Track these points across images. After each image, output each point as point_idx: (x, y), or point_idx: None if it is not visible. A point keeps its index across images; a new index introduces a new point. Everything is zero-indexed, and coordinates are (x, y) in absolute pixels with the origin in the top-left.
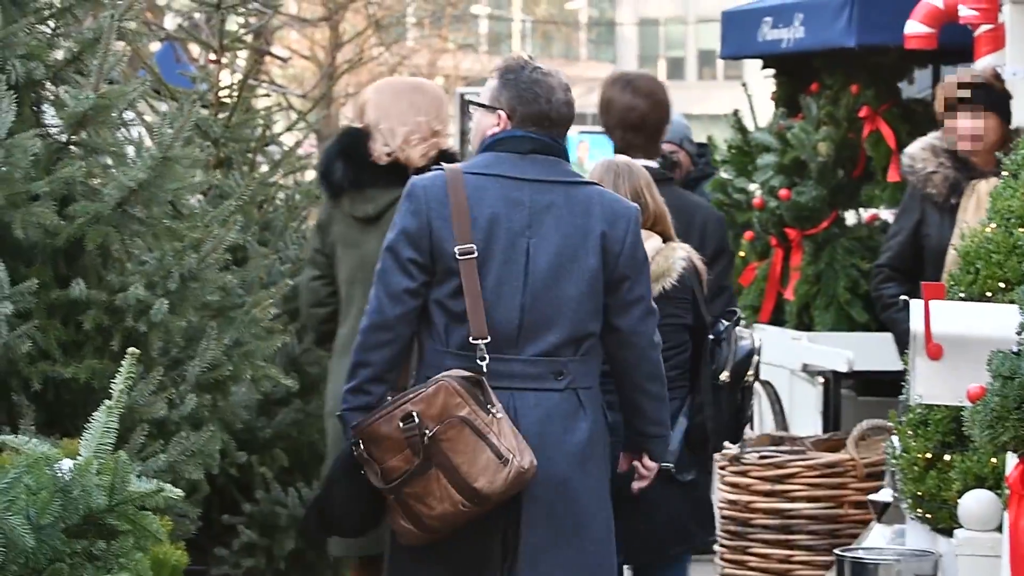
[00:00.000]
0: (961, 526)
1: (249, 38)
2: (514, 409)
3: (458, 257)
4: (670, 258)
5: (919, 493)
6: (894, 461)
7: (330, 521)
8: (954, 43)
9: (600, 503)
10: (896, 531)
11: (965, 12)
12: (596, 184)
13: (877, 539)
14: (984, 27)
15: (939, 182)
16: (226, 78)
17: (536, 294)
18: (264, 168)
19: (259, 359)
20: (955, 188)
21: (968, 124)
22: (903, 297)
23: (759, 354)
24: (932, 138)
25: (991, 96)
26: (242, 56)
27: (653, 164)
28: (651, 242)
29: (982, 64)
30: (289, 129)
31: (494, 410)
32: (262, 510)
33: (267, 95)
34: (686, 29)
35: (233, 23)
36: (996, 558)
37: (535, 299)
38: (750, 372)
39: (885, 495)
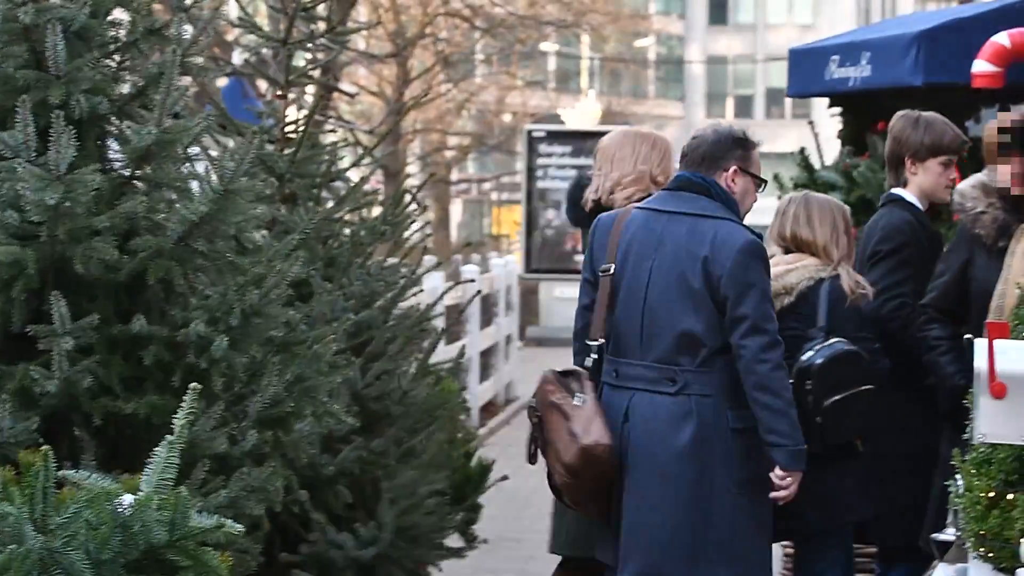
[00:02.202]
0: (1023, 565)
1: (316, 74)
2: (631, 406)
3: (599, 274)
4: (798, 278)
5: (981, 532)
6: (957, 500)
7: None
8: (1021, 82)
9: (703, 493)
10: (959, 570)
11: None
12: (727, 219)
13: None
14: None
15: (988, 223)
16: (293, 114)
17: (653, 308)
18: (329, 204)
19: (321, 395)
20: (1004, 230)
21: (1009, 169)
22: (967, 336)
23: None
24: (985, 176)
25: None
26: (310, 92)
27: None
28: (800, 263)
29: None
30: (355, 165)
31: (580, 397)
32: (319, 551)
33: (333, 131)
34: (754, 67)
35: (301, 59)
36: None
37: (652, 313)
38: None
39: (948, 534)
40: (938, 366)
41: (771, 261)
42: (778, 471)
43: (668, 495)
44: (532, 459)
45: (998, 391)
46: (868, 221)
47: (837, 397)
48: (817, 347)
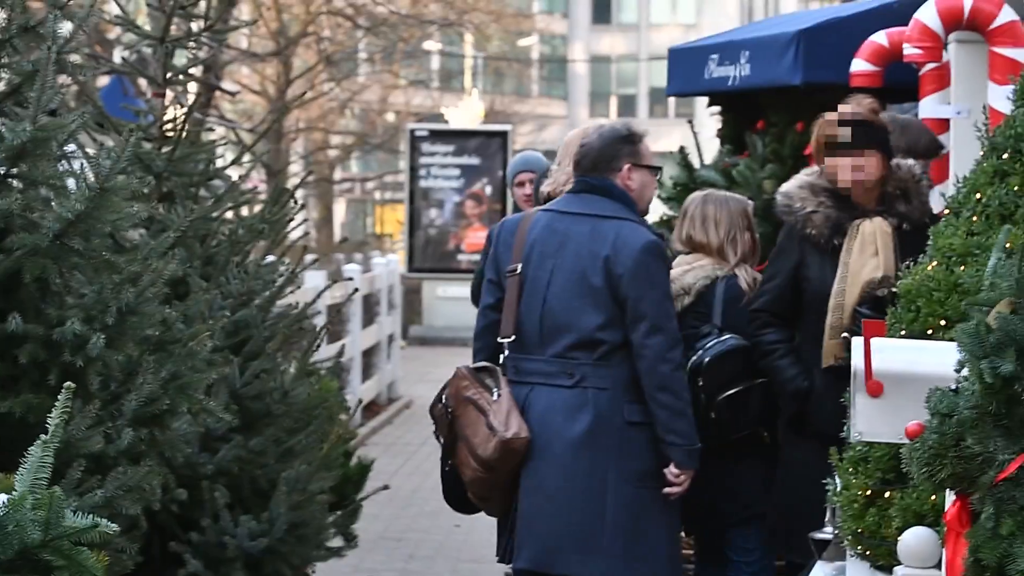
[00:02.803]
0: (900, 563)
1: (197, 72)
2: (528, 400)
3: (506, 274)
4: (695, 278)
5: (859, 530)
6: (835, 498)
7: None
8: (899, 82)
9: (595, 484)
10: (837, 568)
11: (909, 51)
12: (628, 219)
13: None
14: (929, 65)
15: (820, 222)
16: (173, 112)
17: (552, 306)
18: (208, 202)
19: (197, 393)
20: (837, 228)
21: (849, 162)
22: (845, 335)
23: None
24: (810, 176)
25: (871, 134)
26: (192, 90)
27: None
28: (697, 264)
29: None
30: (234, 163)
31: (496, 392)
32: (209, 540)
33: (211, 129)
34: (638, 67)
35: (183, 57)
36: None
37: (552, 310)
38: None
39: (826, 532)
40: (778, 370)
41: (675, 261)
42: (673, 468)
43: (563, 486)
44: (447, 456)
45: (875, 389)
46: None
47: (729, 392)
48: (708, 344)
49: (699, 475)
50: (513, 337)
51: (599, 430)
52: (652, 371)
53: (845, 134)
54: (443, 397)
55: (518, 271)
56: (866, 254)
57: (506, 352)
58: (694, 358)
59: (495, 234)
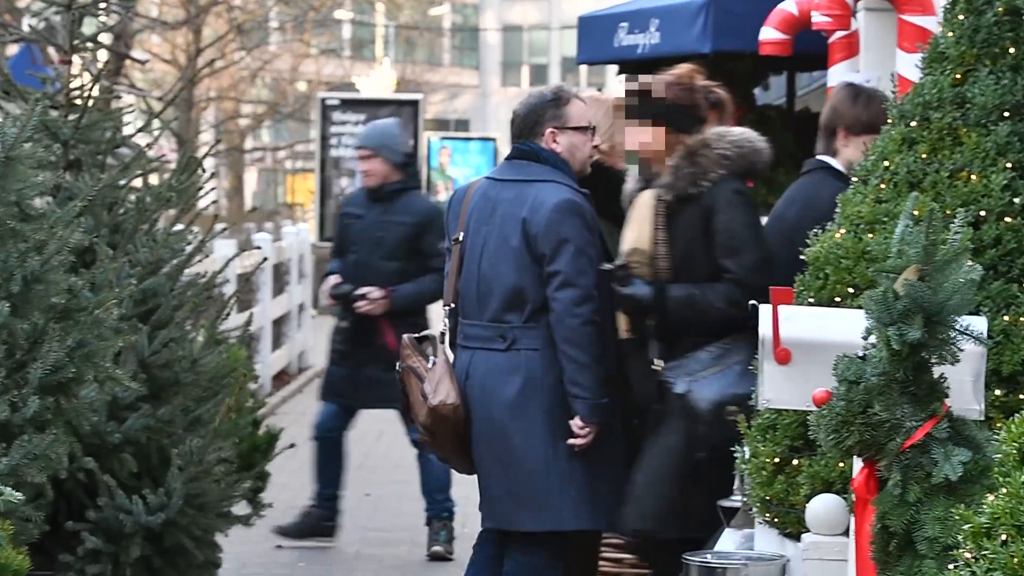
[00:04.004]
0: (808, 530)
1: (107, 40)
2: (471, 364)
3: (451, 243)
4: None
5: (767, 497)
6: (743, 466)
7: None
8: (809, 50)
9: (535, 443)
10: (745, 535)
11: (818, 19)
12: (552, 181)
13: (726, 544)
14: (838, 34)
15: (626, 193)
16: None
17: (485, 271)
18: (115, 171)
19: (104, 361)
20: (633, 199)
21: (635, 133)
22: (751, 302)
23: None
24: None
25: (651, 105)
26: (102, 59)
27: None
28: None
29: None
30: (141, 131)
31: (432, 360)
32: (107, 516)
33: (118, 97)
34: (550, 35)
35: (93, 26)
36: (843, 562)
37: (484, 275)
38: None
39: (734, 500)
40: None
41: None
42: (577, 421)
43: (504, 448)
44: (406, 419)
45: (783, 357)
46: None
47: None
48: None
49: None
50: (452, 305)
51: (531, 391)
52: (560, 323)
53: (631, 104)
54: (397, 366)
55: (459, 239)
56: (636, 223)
57: (446, 320)
58: None
59: (447, 203)
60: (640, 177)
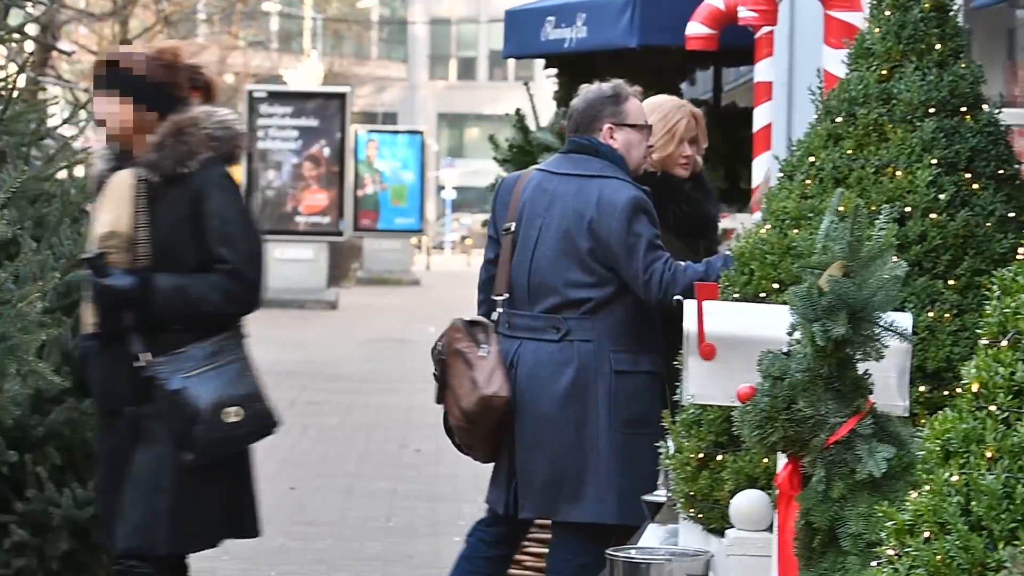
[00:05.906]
0: (732, 526)
1: (33, 31)
2: (518, 354)
3: (502, 232)
4: None
5: (691, 493)
6: (668, 461)
7: None
8: (736, 45)
9: (585, 433)
10: (669, 531)
11: (745, 14)
12: (613, 177)
13: (650, 539)
14: (765, 29)
15: (94, 175)
16: (6, 71)
17: (540, 264)
18: (39, 163)
19: (26, 354)
20: (103, 181)
21: (103, 103)
22: (677, 297)
23: None
24: None
25: (119, 77)
26: (28, 50)
27: None
28: None
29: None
30: (66, 122)
31: (485, 348)
32: (34, 509)
33: (44, 88)
34: (478, 29)
35: (21, 16)
36: (766, 558)
37: (539, 268)
38: None
39: (659, 495)
40: None
41: None
42: None
43: (553, 438)
44: (439, 400)
45: (707, 352)
46: None
47: None
48: None
49: None
50: (506, 295)
51: (584, 381)
52: (668, 294)
53: (99, 74)
54: (438, 344)
55: (511, 229)
56: (106, 207)
57: (500, 309)
58: None
59: (496, 192)
60: (111, 156)
